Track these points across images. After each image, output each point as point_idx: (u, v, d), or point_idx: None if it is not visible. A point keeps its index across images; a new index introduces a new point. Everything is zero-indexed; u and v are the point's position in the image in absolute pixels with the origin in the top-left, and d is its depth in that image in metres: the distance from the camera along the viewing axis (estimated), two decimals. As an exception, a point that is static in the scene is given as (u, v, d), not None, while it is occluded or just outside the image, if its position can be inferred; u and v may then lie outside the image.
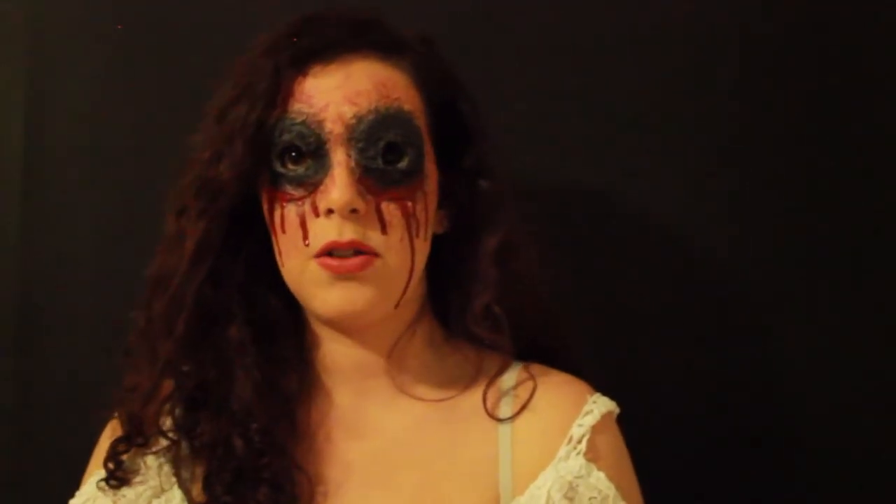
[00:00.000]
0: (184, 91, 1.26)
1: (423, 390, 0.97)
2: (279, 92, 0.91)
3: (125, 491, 0.96)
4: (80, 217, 1.29)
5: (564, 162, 1.22)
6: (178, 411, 0.95)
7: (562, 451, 0.91)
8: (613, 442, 0.94)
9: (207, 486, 0.92)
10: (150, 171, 1.26)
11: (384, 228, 0.90)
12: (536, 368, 0.98)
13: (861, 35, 1.20)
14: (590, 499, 0.89)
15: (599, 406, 0.94)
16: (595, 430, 0.92)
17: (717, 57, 1.21)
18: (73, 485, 1.02)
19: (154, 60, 1.27)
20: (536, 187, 1.04)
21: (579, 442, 0.91)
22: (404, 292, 0.93)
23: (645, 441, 0.97)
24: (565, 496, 0.89)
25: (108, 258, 1.28)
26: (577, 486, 0.89)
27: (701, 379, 1.21)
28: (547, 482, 0.89)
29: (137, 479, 0.96)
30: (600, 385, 0.98)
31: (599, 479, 0.89)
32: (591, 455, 0.91)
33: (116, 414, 0.98)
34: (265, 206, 0.93)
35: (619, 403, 0.96)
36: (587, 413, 0.93)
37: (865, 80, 1.20)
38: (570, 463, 0.90)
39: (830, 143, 1.20)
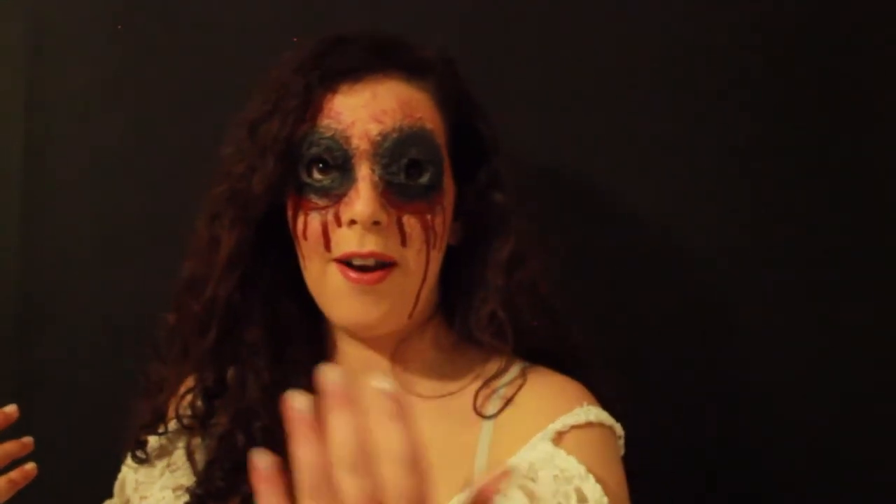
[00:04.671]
0: (184, 91, 1.27)
1: (422, 389, 1.00)
2: (309, 108, 0.95)
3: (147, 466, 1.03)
4: (80, 217, 1.29)
5: (563, 164, 1.22)
6: (198, 402, 1.01)
7: (534, 440, 0.91)
8: (594, 442, 0.93)
9: (208, 468, 0.98)
10: (150, 172, 1.27)
11: (404, 241, 0.94)
12: (536, 370, 1.00)
13: (862, 34, 1.20)
14: (553, 477, 0.88)
15: (589, 414, 0.93)
16: (575, 428, 0.92)
17: (717, 57, 1.21)
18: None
19: (154, 60, 1.27)
20: (535, 189, 1.03)
21: (552, 432, 0.91)
22: (416, 302, 0.97)
23: (643, 443, 0.97)
24: (526, 476, 0.88)
25: (108, 258, 1.28)
26: (541, 467, 0.89)
27: (701, 381, 1.21)
28: (512, 465, 0.88)
29: (157, 457, 1.03)
30: (611, 392, 0.98)
31: (567, 460, 0.89)
32: (559, 441, 0.91)
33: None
34: (290, 214, 0.97)
35: (620, 406, 0.96)
36: (574, 415, 0.93)
37: (866, 79, 1.20)
38: (537, 448, 0.90)
39: (832, 143, 1.20)
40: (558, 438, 0.91)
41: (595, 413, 0.94)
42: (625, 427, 0.96)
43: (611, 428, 0.95)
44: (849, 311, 1.20)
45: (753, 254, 1.21)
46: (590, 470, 0.88)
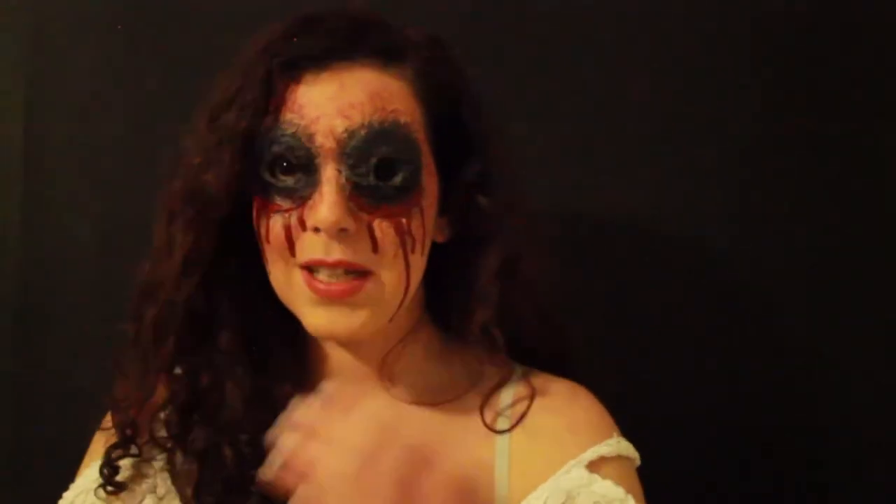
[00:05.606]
0: (184, 91, 1.25)
1: (418, 399, 0.95)
2: (270, 99, 0.87)
3: (122, 494, 0.94)
4: (80, 217, 1.28)
5: (563, 166, 1.22)
6: (171, 418, 0.93)
7: (566, 466, 0.88)
8: (624, 473, 0.90)
9: (197, 495, 0.91)
10: (151, 171, 1.26)
11: (375, 247, 0.86)
12: (539, 377, 0.96)
13: (863, 34, 1.20)
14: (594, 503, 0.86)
15: (620, 448, 0.91)
16: (607, 459, 0.89)
17: (717, 57, 1.21)
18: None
19: (154, 60, 1.27)
20: (535, 191, 1.03)
21: (585, 460, 0.89)
22: (399, 308, 0.90)
23: (646, 444, 0.96)
24: None
25: (108, 258, 1.27)
26: (578, 494, 0.86)
27: (703, 383, 1.21)
28: (544, 493, 0.87)
29: (134, 483, 0.94)
30: (603, 390, 0.97)
31: (605, 486, 0.86)
32: (595, 468, 0.88)
33: (108, 423, 0.97)
34: (254, 214, 0.90)
35: (620, 407, 0.96)
36: (606, 445, 0.90)
37: (866, 79, 1.20)
38: (571, 474, 0.88)
39: (833, 143, 1.20)
40: (592, 466, 0.88)
41: (624, 446, 0.91)
42: (624, 428, 0.95)
43: (635, 460, 0.93)
44: (850, 310, 1.20)
45: (753, 253, 1.21)
46: (628, 492, 0.87)
